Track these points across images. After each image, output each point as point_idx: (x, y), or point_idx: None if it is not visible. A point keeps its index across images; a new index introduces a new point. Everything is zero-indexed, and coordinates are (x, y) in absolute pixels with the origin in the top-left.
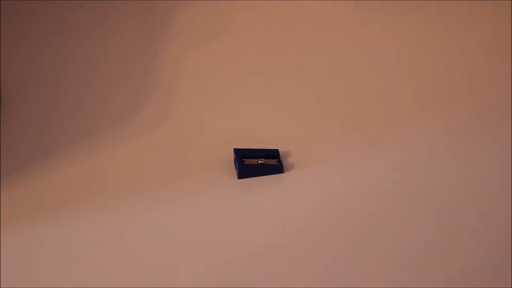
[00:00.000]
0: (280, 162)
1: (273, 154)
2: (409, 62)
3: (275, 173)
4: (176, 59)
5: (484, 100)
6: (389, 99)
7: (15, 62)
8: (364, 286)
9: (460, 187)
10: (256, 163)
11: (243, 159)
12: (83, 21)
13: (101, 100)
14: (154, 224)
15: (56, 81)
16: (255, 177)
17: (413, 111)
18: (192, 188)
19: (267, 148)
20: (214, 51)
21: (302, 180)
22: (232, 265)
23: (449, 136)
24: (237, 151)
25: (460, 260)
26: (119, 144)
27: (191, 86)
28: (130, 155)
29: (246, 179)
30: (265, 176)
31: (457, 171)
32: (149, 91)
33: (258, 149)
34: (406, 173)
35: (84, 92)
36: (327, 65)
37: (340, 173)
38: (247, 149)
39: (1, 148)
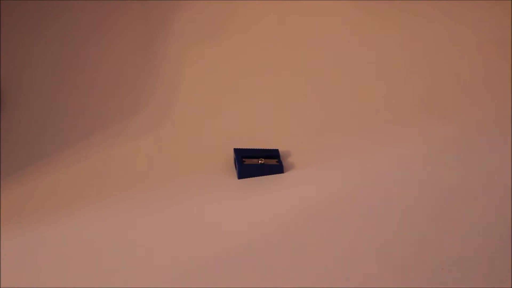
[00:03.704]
0: (280, 162)
1: (273, 154)
2: (409, 62)
3: (275, 173)
4: (176, 59)
5: (484, 100)
6: (389, 99)
7: (15, 62)
8: (364, 286)
9: (460, 187)
10: (256, 163)
11: (243, 159)
12: (83, 21)
13: (101, 100)
14: (154, 224)
15: (56, 81)
16: (255, 177)
17: (413, 111)
18: (192, 188)
19: (267, 148)
20: (214, 51)
21: (302, 180)
22: (232, 265)
23: (449, 136)
24: (237, 151)
25: (460, 260)
26: (119, 144)
27: (191, 86)
28: (130, 155)
29: (246, 179)
30: (265, 176)
31: (458, 171)
32: (149, 91)
33: (258, 149)
34: (406, 172)
35: (84, 92)
36: (327, 65)
37: (340, 172)
38: (247, 149)
39: (1, 148)
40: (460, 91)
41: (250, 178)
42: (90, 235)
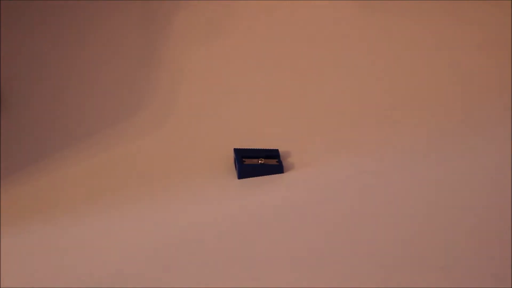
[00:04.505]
0: (280, 162)
1: (273, 154)
2: (409, 62)
3: (275, 173)
4: (176, 60)
5: (484, 100)
6: (389, 99)
7: (16, 62)
8: (364, 286)
9: (460, 186)
10: (256, 163)
11: (243, 159)
12: (83, 21)
13: (102, 100)
14: (154, 224)
15: (56, 81)
16: (255, 177)
17: (413, 111)
18: (192, 188)
19: (267, 148)
20: (215, 51)
21: (302, 180)
22: (232, 265)
23: (449, 136)
24: (237, 151)
25: (460, 260)
26: (119, 144)
27: (191, 86)
28: (130, 156)
29: (246, 179)
30: (265, 176)
31: (458, 170)
32: (149, 91)
33: (258, 149)
34: (406, 172)
35: (85, 92)
36: (327, 65)
37: (340, 173)
38: (247, 149)
39: (1, 148)
40: (460, 91)
41: (250, 178)
42: (90, 235)
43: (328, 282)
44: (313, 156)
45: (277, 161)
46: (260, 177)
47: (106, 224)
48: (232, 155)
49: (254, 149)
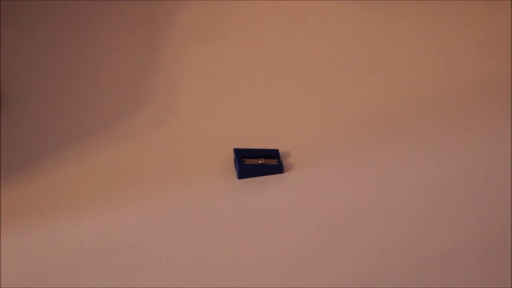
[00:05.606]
0: (280, 162)
1: (273, 154)
2: (409, 62)
3: (275, 173)
4: (176, 60)
5: (484, 100)
6: (388, 99)
7: (16, 62)
8: (364, 285)
9: (460, 186)
10: (256, 163)
11: (243, 159)
12: (83, 22)
13: (102, 100)
14: (154, 224)
15: (56, 81)
16: (255, 177)
17: (412, 111)
18: (192, 188)
19: (267, 148)
20: (215, 51)
21: (302, 180)
22: (232, 265)
23: (449, 136)
24: (237, 151)
25: (460, 260)
26: (119, 144)
27: (191, 86)
28: (130, 155)
29: (246, 179)
30: (265, 176)
31: (457, 170)
32: (149, 91)
33: (258, 149)
34: (405, 172)
35: (85, 92)
36: (327, 65)
37: (340, 173)
38: (247, 149)
39: (1, 148)
40: (460, 91)
41: (250, 178)
42: (90, 235)
43: (328, 282)
44: (313, 156)
45: (277, 161)
46: (260, 177)
47: (105, 224)
48: (232, 155)
49: (254, 149)
